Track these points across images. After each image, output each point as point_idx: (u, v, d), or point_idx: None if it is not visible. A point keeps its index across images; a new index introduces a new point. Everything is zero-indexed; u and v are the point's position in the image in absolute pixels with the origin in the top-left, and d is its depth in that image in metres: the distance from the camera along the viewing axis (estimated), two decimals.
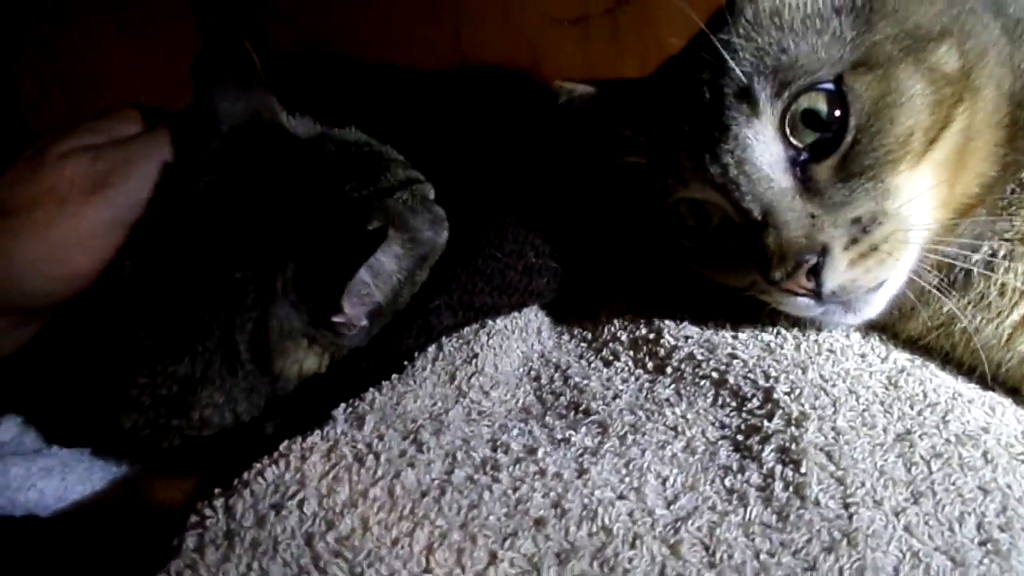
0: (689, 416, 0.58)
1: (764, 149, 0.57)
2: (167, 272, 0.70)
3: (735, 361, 0.61)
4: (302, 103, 0.83)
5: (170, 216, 0.72)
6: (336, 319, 0.71)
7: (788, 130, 0.57)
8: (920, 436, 0.52)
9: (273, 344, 0.71)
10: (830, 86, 0.56)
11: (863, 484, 0.49)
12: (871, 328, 0.64)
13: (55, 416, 0.80)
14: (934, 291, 0.58)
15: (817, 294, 0.57)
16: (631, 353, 0.68)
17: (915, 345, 0.63)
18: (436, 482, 0.52)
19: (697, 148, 0.60)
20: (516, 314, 0.76)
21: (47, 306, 0.73)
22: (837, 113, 0.56)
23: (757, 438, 0.54)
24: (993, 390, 0.59)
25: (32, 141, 0.80)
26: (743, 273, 0.62)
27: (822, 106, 0.56)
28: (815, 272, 0.56)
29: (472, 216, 0.82)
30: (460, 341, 0.72)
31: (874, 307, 0.59)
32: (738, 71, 0.57)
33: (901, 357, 0.61)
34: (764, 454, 0.52)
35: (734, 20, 0.59)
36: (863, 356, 0.61)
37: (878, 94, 0.55)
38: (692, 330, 0.66)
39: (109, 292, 0.71)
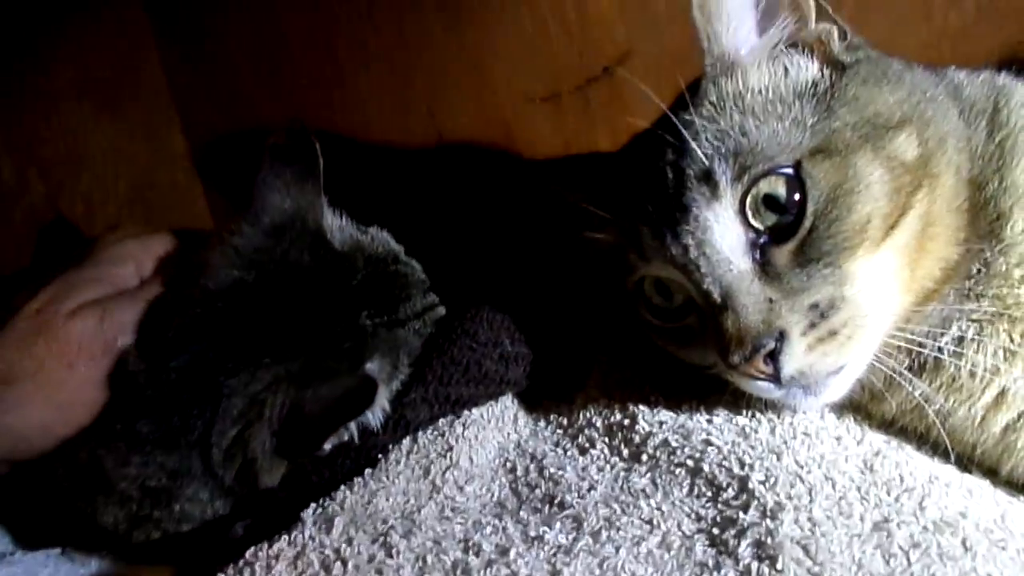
0: (664, 508, 0.58)
1: (724, 231, 0.59)
2: (172, 363, 0.71)
3: (710, 448, 0.61)
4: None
5: (189, 304, 0.73)
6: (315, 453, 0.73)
7: (749, 213, 0.58)
8: (898, 525, 0.53)
9: (257, 463, 0.72)
10: (789, 171, 0.58)
11: None
12: (846, 408, 0.65)
13: (29, 515, 0.80)
14: (904, 374, 0.59)
15: (776, 378, 0.58)
16: (606, 440, 0.68)
17: (890, 427, 0.64)
18: None
19: (659, 227, 0.61)
20: (492, 403, 0.77)
21: (46, 450, 0.74)
22: (796, 198, 0.57)
23: (733, 531, 0.54)
24: (970, 471, 0.59)
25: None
26: (706, 352, 0.63)
27: (781, 191, 0.58)
28: (773, 356, 0.56)
29: (449, 298, 0.84)
30: (435, 433, 0.72)
31: (835, 391, 0.59)
32: (699, 153, 0.59)
33: (877, 439, 0.62)
34: (740, 549, 0.52)
35: (697, 102, 0.62)
36: (838, 439, 0.62)
37: (836, 181, 0.57)
38: (666, 415, 0.67)
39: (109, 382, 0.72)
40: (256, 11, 1.29)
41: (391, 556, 0.55)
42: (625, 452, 0.66)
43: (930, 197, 0.58)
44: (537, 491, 0.65)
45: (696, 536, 0.55)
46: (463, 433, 0.72)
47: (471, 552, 0.55)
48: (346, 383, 0.70)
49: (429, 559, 0.55)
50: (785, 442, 0.61)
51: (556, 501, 0.62)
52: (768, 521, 0.53)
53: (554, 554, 0.55)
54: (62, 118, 1.30)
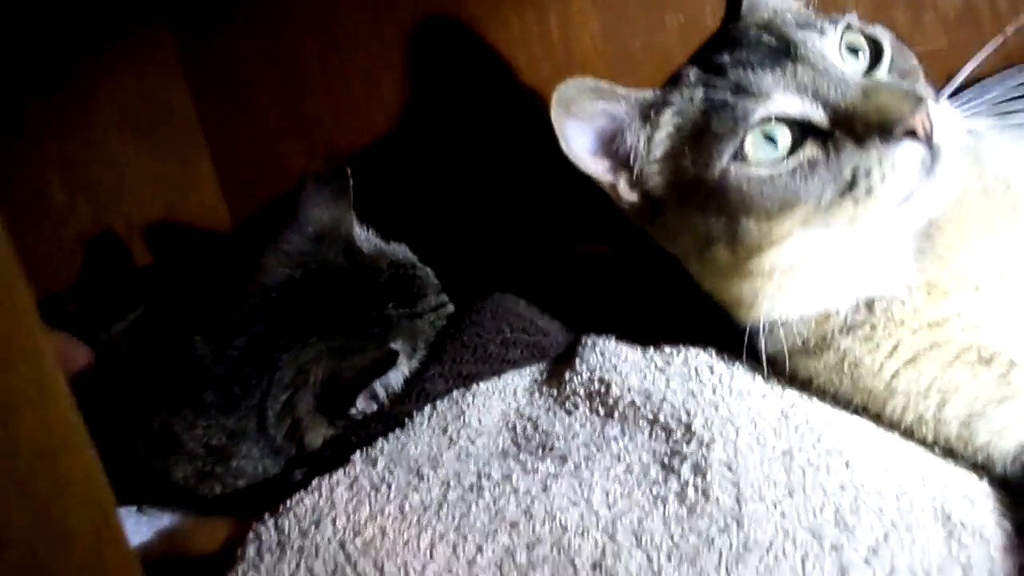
0: (629, 447, 0.79)
1: (835, 57, 0.76)
2: (235, 342, 0.93)
3: (665, 404, 0.82)
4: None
5: (245, 298, 0.94)
6: (350, 412, 0.94)
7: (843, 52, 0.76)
8: (799, 451, 0.74)
9: (303, 422, 0.93)
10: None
11: (752, 485, 0.70)
12: (780, 375, 0.86)
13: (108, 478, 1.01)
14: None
15: (929, 140, 0.68)
16: (587, 403, 0.89)
17: (809, 386, 0.84)
18: (435, 500, 0.73)
19: (777, 62, 0.74)
20: (496, 379, 0.98)
21: None
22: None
23: (678, 458, 0.75)
24: (861, 416, 0.80)
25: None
26: (840, 166, 0.71)
27: (861, 40, 0.78)
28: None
29: (458, 296, 1.06)
30: (450, 402, 0.93)
31: (948, 170, 0.71)
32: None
33: (794, 395, 0.83)
34: (682, 469, 0.73)
35: None
36: (764, 395, 0.82)
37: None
38: (634, 381, 0.88)
39: (176, 364, 0.93)
40: (277, 48, 1.49)
41: (423, 480, 0.76)
42: (601, 411, 0.87)
43: None
44: (532, 441, 0.85)
45: (651, 464, 0.76)
46: (472, 401, 0.92)
47: (483, 478, 0.76)
48: (373, 354, 0.92)
49: (452, 482, 0.76)
50: (723, 398, 0.82)
51: (547, 446, 0.83)
52: (703, 450, 0.74)
53: (545, 478, 0.76)
54: (105, 145, 1.49)
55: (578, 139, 0.81)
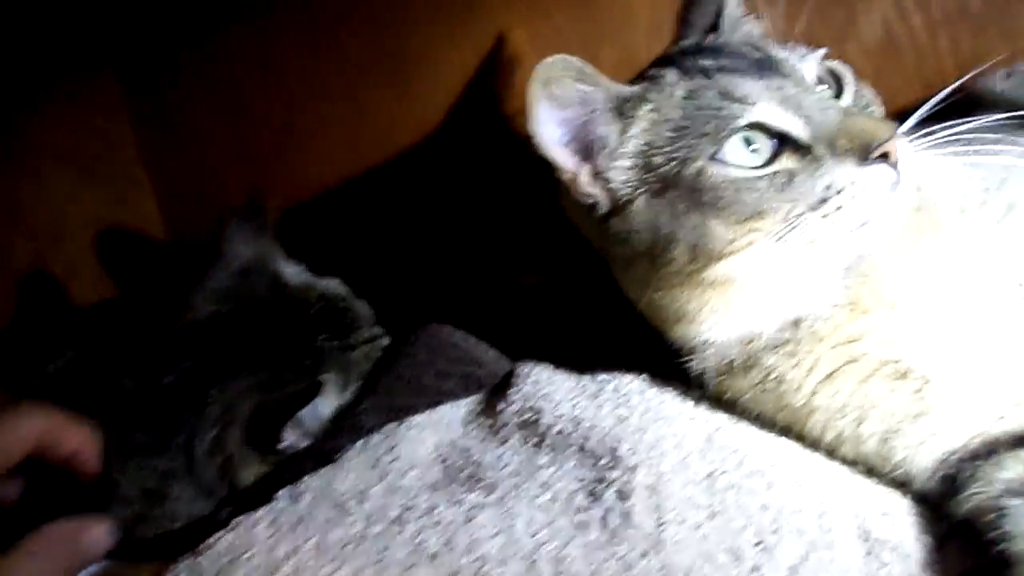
0: (557, 475, 0.79)
1: (812, 77, 0.81)
2: (164, 380, 0.91)
3: (594, 430, 0.82)
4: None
5: (172, 337, 0.93)
6: (279, 447, 0.92)
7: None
8: (722, 473, 0.74)
9: (234, 460, 0.92)
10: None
11: (674, 508, 0.70)
12: (707, 396, 0.86)
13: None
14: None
15: (895, 165, 0.73)
16: (520, 433, 0.88)
17: (735, 407, 0.85)
18: (356, 535, 0.72)
19: (762, 72, 0.78)
20: (432, 411, 0.97)
21: None
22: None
23: (603, 485, 0.75)
24: (786, 437, 0.81)
25: None
26: (815, 178, 0.73)
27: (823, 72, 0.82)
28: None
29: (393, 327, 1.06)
30: (383, 435, 0.92)
31: (907, 194, 0.75)
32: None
33: (720, 418, 0.83)
34: (606, 495, 0.73)
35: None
36: (691, 419, 0.83)
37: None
38: (564, 409, 0.88)
39: (105, 407, 0.91)
40: (220, 86, 1.50)
41: (346, 515, 0.75)
42: (533, 440, 0.87)
43: None
44: (463, 472, 0.85)
45: (577, 491, 0.76)
46: (406, 434, 0.92)
47: (407, 510, 0.76)
48: (298, 385, 0.91)
49: (375, 516, 0.75)
50: (651, 423, 0.82)
51: (476, 477, 0.82)
52: (628, 475, 0.75)
53: (469, 509, 0.75)
54: (44, 187, 1.48)
55: (549, 122, 0.80)
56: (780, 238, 0.74)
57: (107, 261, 1.52)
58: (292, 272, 1.04)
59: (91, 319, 1.29)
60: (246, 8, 1.42)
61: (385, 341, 1.05)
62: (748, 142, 0.76)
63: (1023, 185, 0.78)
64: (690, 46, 0.88)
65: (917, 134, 0.78)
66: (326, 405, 0.94)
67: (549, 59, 0.77)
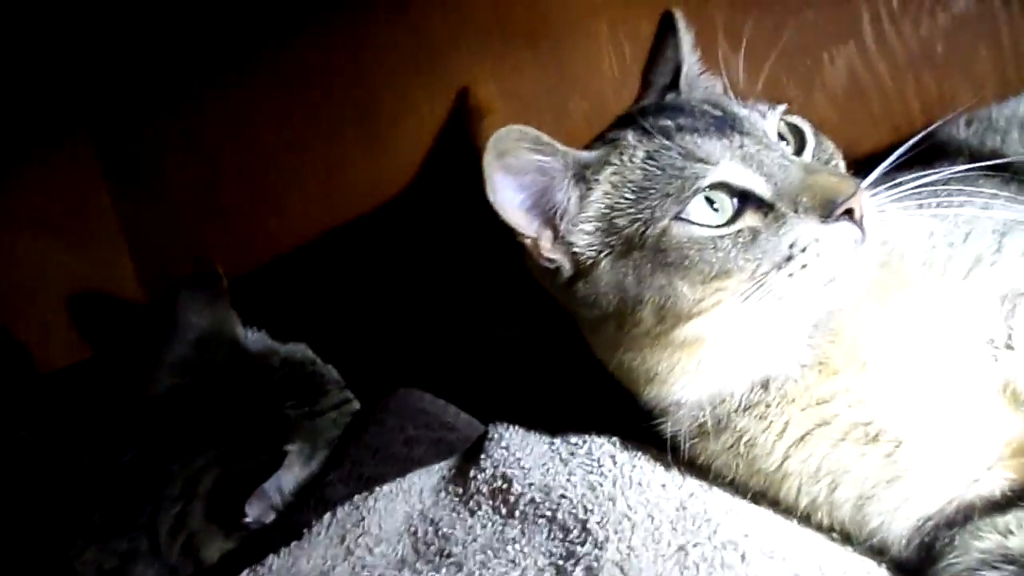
0: (527, 550, 0.77)
1: (774, 135, 0.80)
2: (123, 459, 0.89)
3: (564, 500, 0.80)
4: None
5: (131, 412, 0.91)
6: (243, 521, 0.90)
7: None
8: (694, 545, 0.72)
9: (197, 536, 0.90)
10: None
11: None
12: (674, 459, 0.84)
13: None
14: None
15: (860, 222, 0.72)
16: (490, 502, 0.86)
17: (707, 472, 0.83)
18: None
19: (723, 131, 0.77)
20: (401, 479, 0.95)
21: None
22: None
23: (572, 561, 0.73)
24: (761, 504, 0.79)
25: None
26: (780, 236, 0.73)
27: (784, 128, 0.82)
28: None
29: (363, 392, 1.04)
30: (351, 507, 0.90)
31: (871, 252, 0.74)
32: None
33: (693, 484, 0.81)
34: (575, 572, 0.71)
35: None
36: (663, 486, 0.81)
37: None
38: (536, 476, 0.86)
39: (61, 485, 0.89)
40: (195, 144, 1.50)
41: None
42: (503, 510, 0.84)
43: None
44: (432, 547, 0.83)
45: (546, 568, 0.74)
46: (374, 506, 0.89)
47: None
48: (260, 456, 0.89)
49: None
50: (622, 491, 0.80)
51: (445, 552, 0.80)
52: (596, 550, 0.72)
53: None
54: (18, 248, 1.48)
55: (506, 190, 0.79)
56: (747, 297, 0.73)
57: (80, 323, 1.51)
58: (253, 339, 1.02)
59: (56, 388, 1.27)
60: (219, 69, 1.43)
61: (355, 405, 1.03)
62: (711, 201, 0.75)
63: (988, 238, 0.77)
64: (650, 106, 0.88)
65: (882, 186, 0.77)
66: (290, 476, 0.92)
67: (503, 130, 0.76)
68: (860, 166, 0.99)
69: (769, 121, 0.80)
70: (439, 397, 1.05)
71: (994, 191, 0.81)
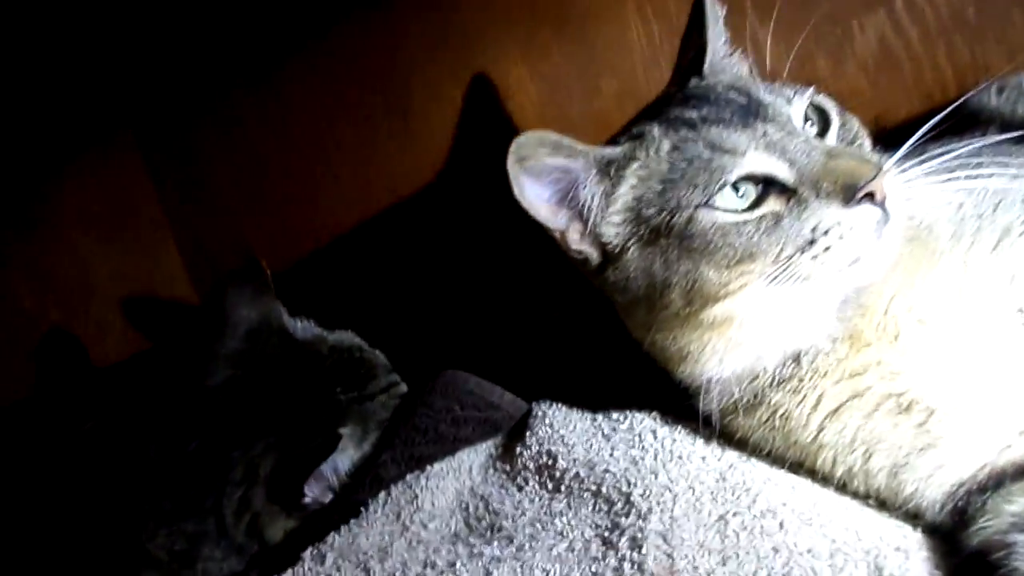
0: (573, 523, 0.81)
1: (799, 120, 0.81)
2: (188, 447, 0.95)
3: (607, 475, 0.84)
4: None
5: (192, 403, 0.98)
6: (302, 502, 0.95)
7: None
8: (734, 515, 0.75)
9: (261, 517, 0.95)
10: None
11: (686, 556, 0.71)
12: (716, 434, 0.87)
13: None
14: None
15: (883, 203, 0.73)
16: (537, 477, 0.91)
17: (746, 445, 0.86)
18: None
19: (747, 122, 0.79)
20: (451, 458, 0.99)
21: None
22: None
23: (617, 532, 0.77)
24: (798, 473, 0.82)
25: None
26: (803, 219, 0.74)
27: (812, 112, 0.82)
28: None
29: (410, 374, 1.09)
30: (404, 486, 0.95)
31: (896, 235, 0.75)
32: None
33: (732, 456, 0.84)
34: (620, 543, 0.75)
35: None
36: (703, 458, 0.84)
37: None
38: (579, 452, 0.89)
39: (133, 474, 0.95)
40: (238, 144, 1.53)
41: (368, 574, 0.77)
42: (550, 485, 0.89)
43: None
44: (483, 522, 0.87)
45: (592, 539, 0.78)
46: (426, 484, 0.94)
47: (428, 567, 0.78)
48: (316, 440, 0.94)
49: (397, 574, 0.77)
50: (663, 464, 0.84)
51: (495, 527, 0.85)
52: (640, 521, 0.76)
53: (489, 562, 0.77)
54: (71, 249, 1.54)
55: (531, 190, 0.83)
56: (772, 279, 0.75)
57: (134, 320, 1.57)
58: (301, 328, 1.07)
59: (115, 381, 1.33)
60: (258, 66, 1.46)
61: (403, 388, 1.08)
62: (736, 188, 0.77)
63: (1018, 208, 0.78)
64: (675, 95, 0.89)
65: (910, 161, 0.78)
66: (345, 458, 0.97)
67: (522, 137, 0.80)
68: (893, 136, 1.00)
69: (795, 106, 0.81)
70: (483, 378, 1.09)
71: None
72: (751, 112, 0.80)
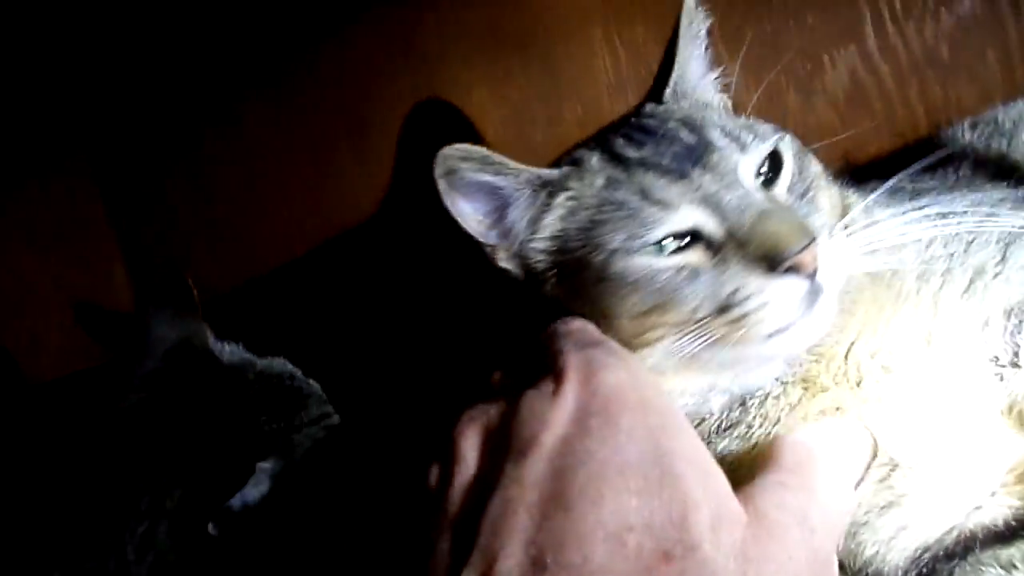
0: None
1: (746, 172, 0.71)
2: (86, 479, 0.86)
3: None
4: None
5: (100, 427, 0.89)
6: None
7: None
8: None
9: (166, 556, 0.86)
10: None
11: None
12: None
13: None
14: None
15: (812, 275, 0.64)
16: None
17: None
18: None
19: (684, 171, 0.70)
20: None
21: None
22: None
23: None
24: None
25: None
26: (721, 282, 0.66)
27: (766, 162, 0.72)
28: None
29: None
30: None
31: (828, 305, 0.67)
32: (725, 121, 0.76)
33: None
34: None
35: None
36: None
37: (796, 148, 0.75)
38: None
39: (30, 507, 0.86)
40: (192, 160, 1.45)
41: None
42: None
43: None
44: None
45: None
46: None
47: None
48: (227, 470, 0.85)
49: None
50: None
51: None
52: None
53: None
54: (13, 261, 1.46)
55: (458, 204, 0.77)
56: (685, 336, 0.67)
57: (74, 335, 1.48)
58: (228, 351, 0.98)
59: (37, 399, 1.24)
60: (214, 83, 1.39)
61: (335, 419, 0.99)
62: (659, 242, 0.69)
63: (992, 248, 0.71)
64: (624, 123, 0.81)
65: (860, 224, 0.71)
66: (256, 493, 0.87)
67: (448, 149, 0.73)
68: (863, 172, 0.94)
69: (750, 155, 0.72)
70: (428, 413, 1.01)
71: (1000, 196, 0.76)
72: (694, 158, 0.71)
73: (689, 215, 0.68)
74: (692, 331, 0.67)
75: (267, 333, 1.17)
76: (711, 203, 0.68)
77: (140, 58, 1.41)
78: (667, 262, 0.68)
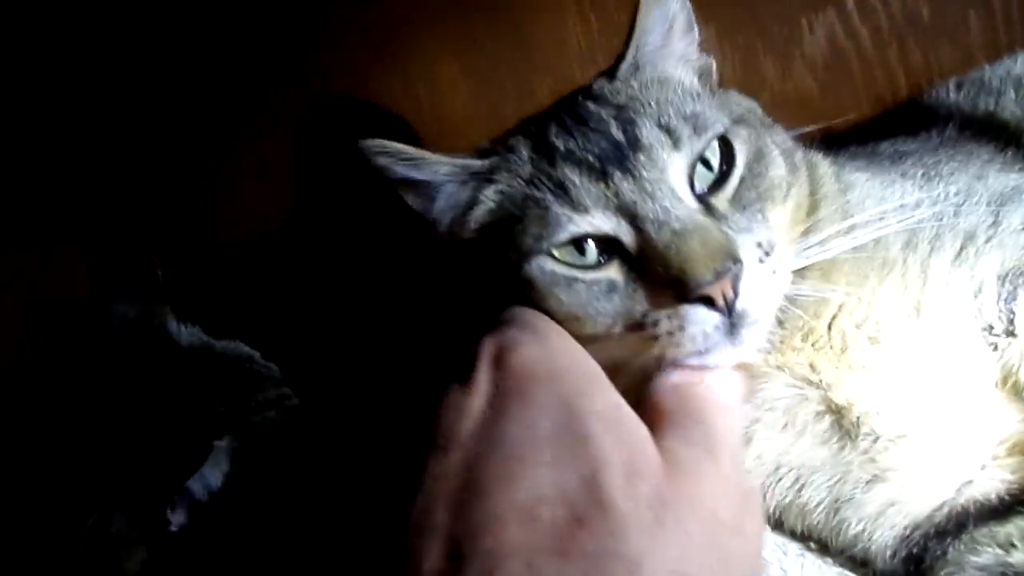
0: None
1: (677, 175, 0.62)
2: (32, 464, 0.81)
3: None
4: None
5: (51, 407, 0.84)
6: (168, 528, 0.81)
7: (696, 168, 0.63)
8: None
9: (118, 546, 0.80)
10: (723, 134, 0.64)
11: None
12: None
13: None
14: None
15: (730, 309, 0.58)
16: None
17: None
18: None
19: (605, 172, 0.63)
20: None
21: None
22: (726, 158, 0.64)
23: None
24: None
25: None
26: (634, 298, 0.61)
27: (716, 154, 0.64)
28: (733, 283, 0.58)
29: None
30: None
31: (755, 336, 0.60)
32: (658, 109, 0.65)
33: None
34: None
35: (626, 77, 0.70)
36: None
37: (756, 147, 0.65)
38: None
39: None
40: (162, 145, 1.41)
41: None
42: None
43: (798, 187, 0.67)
44: None
45: None
46: None
47: None
48: (183, 450, 0.80)
49: None
50: None
51: None
52: None
53: None
54: None
55: (400, 185, 0.72)
56: (612, 345, 0.62)
57: (28, 321, 1.43)
58: (186, 333, 0.93)
59: None
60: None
61: (294, 402, 0.94)
62: (578, 245, 0.63)
63: (982, 211, 0.67)
64: (563, 105, 0.72)
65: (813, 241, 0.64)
66: (217, 473, 0.82)
67: (365, 143, 0.69)
68: (843, 138, 0.90)
69: (681, 154, 0.63)
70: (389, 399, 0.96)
71: (988, 157, 0.72)
72: (617, 156, 0.63)
73: (602, 222, 0.62)
74: (612, 342, 0.61)
75: (232, 317, 1.12)
76: (627, 213, 0.61)
77: (100, 41, 1.35)
78: (583, 275, 0.62)
